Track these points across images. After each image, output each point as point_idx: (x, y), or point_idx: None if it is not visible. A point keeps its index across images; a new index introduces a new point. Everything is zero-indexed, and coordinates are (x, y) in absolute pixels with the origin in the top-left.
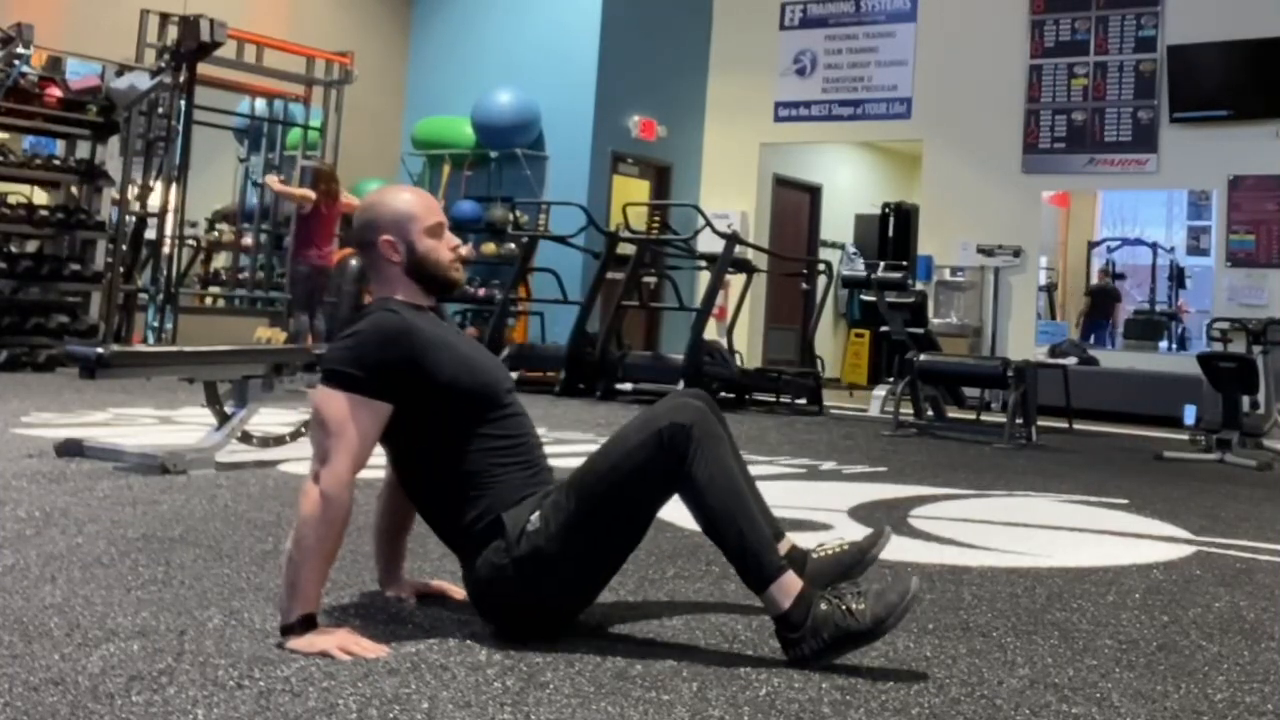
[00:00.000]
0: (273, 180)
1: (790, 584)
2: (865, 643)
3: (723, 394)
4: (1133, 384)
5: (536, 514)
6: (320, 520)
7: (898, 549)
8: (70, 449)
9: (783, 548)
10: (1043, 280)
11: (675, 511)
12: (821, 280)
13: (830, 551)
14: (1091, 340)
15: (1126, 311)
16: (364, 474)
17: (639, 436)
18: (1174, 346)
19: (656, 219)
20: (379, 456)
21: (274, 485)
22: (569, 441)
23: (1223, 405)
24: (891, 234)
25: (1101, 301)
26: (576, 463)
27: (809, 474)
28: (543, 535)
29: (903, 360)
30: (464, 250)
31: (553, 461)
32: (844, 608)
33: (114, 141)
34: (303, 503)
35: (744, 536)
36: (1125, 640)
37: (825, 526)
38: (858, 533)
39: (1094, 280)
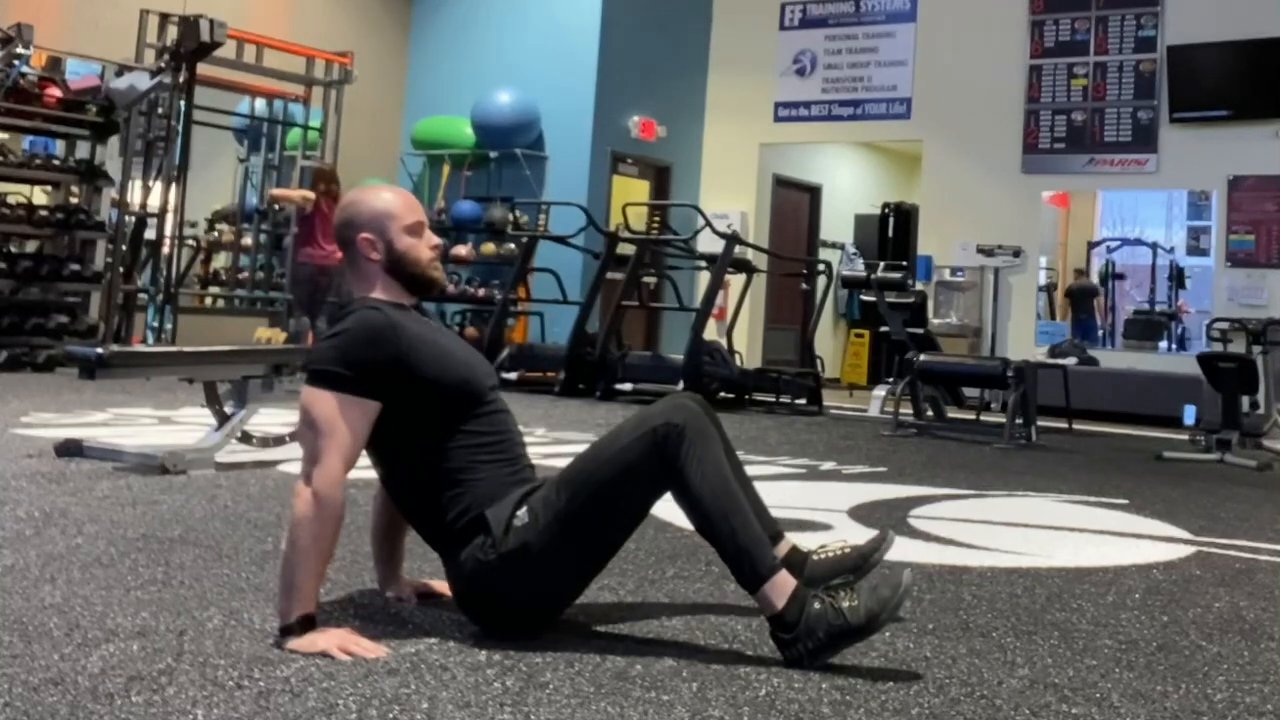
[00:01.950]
0: (276, 193)
1: (784, 583)
2: (860, 639)
3: (722, 394)
4: (1132, 384)
5: (524, 509)
6: (314, 520)
7: (898, 549)
8: (70, 449)
9: (783, 549)
10: (1042, 280)
11: (675, 512)
12: (821, 280)
13: (831, 554)
14: (1084, 340)
15: (1126, 311)
16: (362, 474)
17: (632, 435)
18: (1174, 347)
19: (656, 219)
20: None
21: (274, 485)
22: (568, 441)
23: (1223, 405)
24: (891, 234)
25: (1080, 300)
26: None
27: (809, 474)
28: (531, 530)
29: (902, 360)
30: (463, 251)
31: (551, 462)
32: (836, 606)
33: (114, 141)
34: (296, 503)
35: (736, 535)
36: (1125, 640)
37: (825, 527)
38: (858, 533)
39: (1075, 281)
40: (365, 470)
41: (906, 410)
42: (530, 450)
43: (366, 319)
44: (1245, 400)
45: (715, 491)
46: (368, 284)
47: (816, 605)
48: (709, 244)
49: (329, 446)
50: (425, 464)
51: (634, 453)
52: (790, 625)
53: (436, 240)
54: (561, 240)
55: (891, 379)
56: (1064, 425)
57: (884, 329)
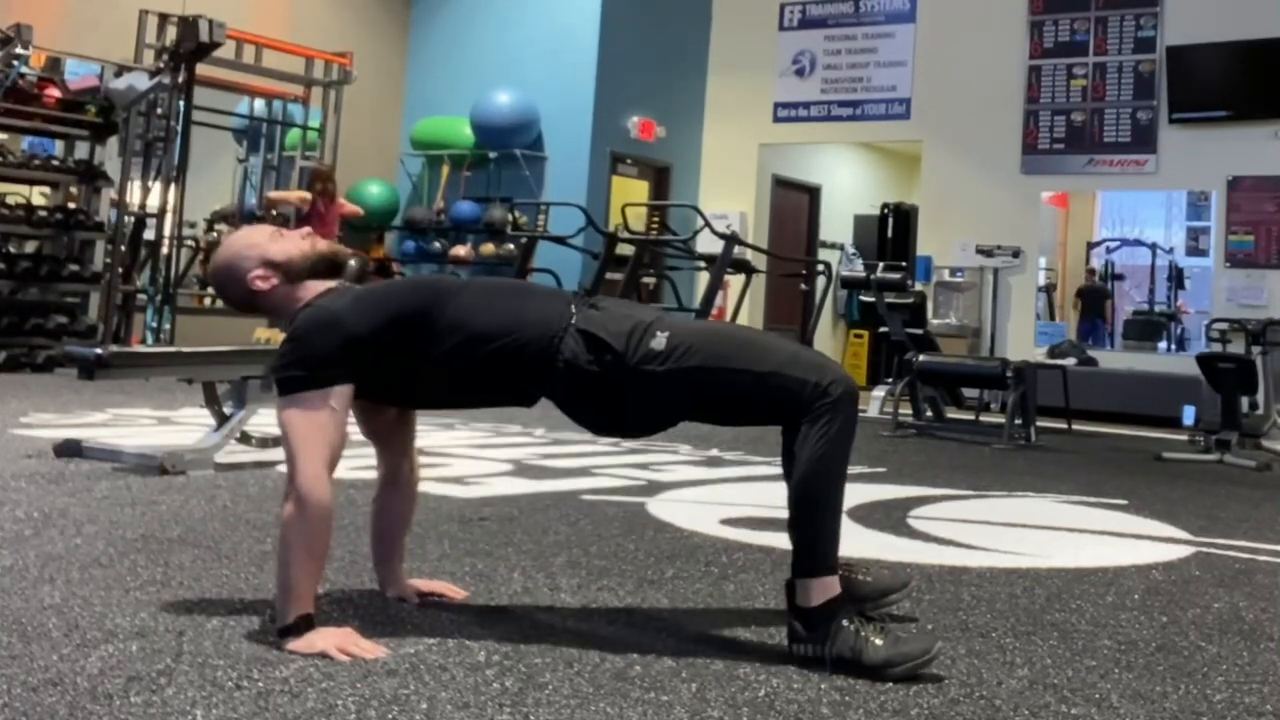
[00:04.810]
0: (274, 196)
1: (830, 586)
2: (864, 676)
3: None
4: (1132, 384)
5: (665, 335)
6: (302, 520)
7: (897, 550)
8: (69, 450)
9: None
10: (1042, 281)
11: (675, 511)
12: (820, 281)
13: (854, 577)
14: (1090, 342)
15: (1125, 312)
16: (361, 475)
17: (800, 371)
18: (1173, 347)
19: (655, 219)
20: (371, 458)
21: (273, 486)
22: (568, 442)
23: (1222, 406)
24: (891, 234)
25: (1092, 301)
26: (573, 464)
27: None
28: (662, 360)
29: (902, 361)
30: (462, 252)
31: (551, 462)
32: (862, 634)
33: (113, 142)
34: (284, 507)
35: (823, 520)
36: (1124, 641)
37: None
38: (857, 534)
39: (1081, 281)
40: (365, 470)
41: (906, 411)
42: (530, 450)
43: (307, 318)
44: (1244, 400)
45: (829, 471)
46: (290, 303)
47: (845, 623)
48: (708, 244)
49: (305, 448)
50: (469, 350)
51: (789, 383)
52: (812, 625)
53: (302, 230)
54: (561, 241)
55: (891, 379)
56: (1063, 426)
57: (883, 329)
